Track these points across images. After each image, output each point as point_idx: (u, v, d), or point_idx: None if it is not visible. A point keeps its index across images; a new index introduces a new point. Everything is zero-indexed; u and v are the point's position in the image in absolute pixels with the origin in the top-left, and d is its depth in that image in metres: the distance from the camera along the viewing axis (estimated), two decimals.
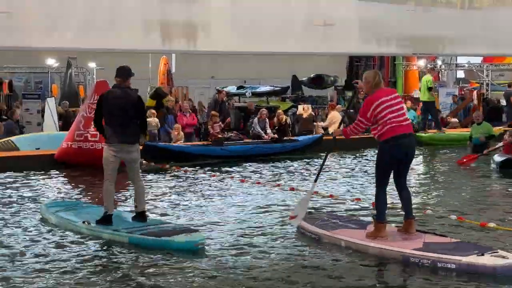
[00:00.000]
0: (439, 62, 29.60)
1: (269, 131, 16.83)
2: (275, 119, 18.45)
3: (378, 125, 6.72)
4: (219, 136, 16.45)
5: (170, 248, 6.92)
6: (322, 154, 15.89)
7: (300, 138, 16.97)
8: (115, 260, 6.71)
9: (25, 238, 7.57)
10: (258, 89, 27.05)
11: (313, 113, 19.91)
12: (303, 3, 14.80)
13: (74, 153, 13.42)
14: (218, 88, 23.07)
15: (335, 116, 18.44)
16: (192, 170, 13.19)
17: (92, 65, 28.84)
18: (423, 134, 18.86)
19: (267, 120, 17.09)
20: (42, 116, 19.13)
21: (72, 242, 7.35)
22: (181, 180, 12.20)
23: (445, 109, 23.37)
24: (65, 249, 7.10)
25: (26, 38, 12.53)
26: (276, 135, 17.07)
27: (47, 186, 11.53)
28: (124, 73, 7.88)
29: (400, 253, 6.35)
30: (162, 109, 17.48)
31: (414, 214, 7.18)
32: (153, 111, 16.63)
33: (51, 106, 19.04)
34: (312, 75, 28.47)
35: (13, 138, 14.96)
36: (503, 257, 5.96)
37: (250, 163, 14.20)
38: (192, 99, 24.14)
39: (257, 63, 32.72)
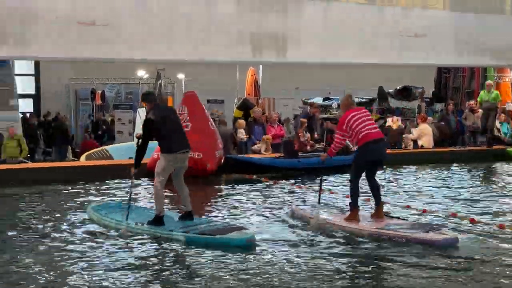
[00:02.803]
0: None
1: None
2: None
3: (354, 135, 8.29)
4: (307, 146, 16.43)
5: (225, 245, 7.31)
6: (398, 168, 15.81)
7: None
8: (167, 259, 7.08)
9: (80, 241, 7.92)
10: None
11: (401, 125, 19.61)
12: (395, 15, 14.71)
13: None
14: (310, 101, 22.98)
15: (425, 128, 18.08)
16: (280, 181, 13.21)
17: (180, 76, 29.41)
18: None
19: None
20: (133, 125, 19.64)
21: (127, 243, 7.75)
22: (263, 190, 12.25)
23: None
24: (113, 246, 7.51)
25: (124, 50, 13.00)
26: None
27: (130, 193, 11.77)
28: (153, 96, 8.86)
29: (366, 231, 7.98)
30: (249, 120, 17.63)
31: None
32: (242, 121, 16.78)
33: (142, 116, 19.54)
34: (399, 87, 28.01)
35: (107, 147, 15.40)
36: (443, 234, 7.57)
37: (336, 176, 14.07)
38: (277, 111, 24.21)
39: (342, 74, 32.47)
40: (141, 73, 28.47)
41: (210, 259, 6.91)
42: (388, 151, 16.96)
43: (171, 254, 7.25)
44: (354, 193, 8.50)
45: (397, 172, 15.18)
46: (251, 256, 7.02)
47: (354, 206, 8.49)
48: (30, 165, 15.02)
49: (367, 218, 8.55)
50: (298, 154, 15.09)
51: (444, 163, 16.12)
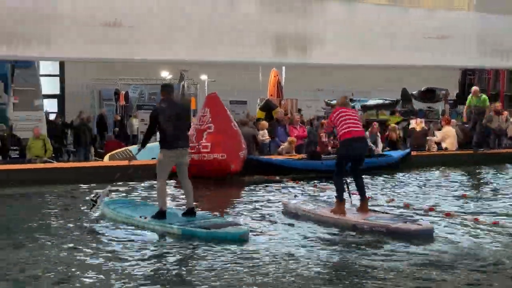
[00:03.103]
0: None
1: (380, 145, 16.59)
2: (389, 133, 18.18)
3: (338, 128, 9.03)
4: (328, 147, 16.38)
5: (219, 239, 7.57)
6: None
7: (393, 152, 16.54)
8: (165, 251, 7.30)
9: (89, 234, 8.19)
10: (367, 102, 26.74)
11: (425, 127, 19.47)
12: (420, 16, 14.63)
13: None
14: (332, 102, 22.92)
15: (449, 130, 17.94)
16: (302, 182, 13.20)
17: (203, 77, 29.53)
18: None
19: (378, 134, 16.85)
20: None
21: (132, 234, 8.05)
22: (280, 191, 12.25)
23: None
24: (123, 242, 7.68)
25: (145, 51, 13.08)
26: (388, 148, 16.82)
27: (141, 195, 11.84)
28: (170, 89, 9.05)
29: (350, 221, 8.65)
30: (272, 121, 17.61)
31: None
32: (264, 122, 16.78)
33: None
34: (422, 89, 27.85)
35: (131, 147, 15.44)
36: (419, 224, 8.25)
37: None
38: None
39: (365, 75, 32.35)
40: (165, 74, 28.65)
41: (205, 254, 7.08)
42: (412, 153, 17.04)
43: (169, 249, 7.38)
44: (339, 187, 9.14)
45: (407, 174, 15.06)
46: (244, 252, 7.19)
47: (339, 199, 9.09)
48: (57, 164, 15.14)
49: (352, 211, 9.13)
50: (321, 156, 15.03)
51: (468, 165, 15.97)
